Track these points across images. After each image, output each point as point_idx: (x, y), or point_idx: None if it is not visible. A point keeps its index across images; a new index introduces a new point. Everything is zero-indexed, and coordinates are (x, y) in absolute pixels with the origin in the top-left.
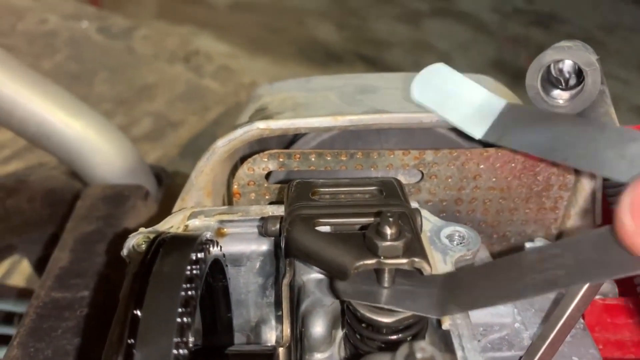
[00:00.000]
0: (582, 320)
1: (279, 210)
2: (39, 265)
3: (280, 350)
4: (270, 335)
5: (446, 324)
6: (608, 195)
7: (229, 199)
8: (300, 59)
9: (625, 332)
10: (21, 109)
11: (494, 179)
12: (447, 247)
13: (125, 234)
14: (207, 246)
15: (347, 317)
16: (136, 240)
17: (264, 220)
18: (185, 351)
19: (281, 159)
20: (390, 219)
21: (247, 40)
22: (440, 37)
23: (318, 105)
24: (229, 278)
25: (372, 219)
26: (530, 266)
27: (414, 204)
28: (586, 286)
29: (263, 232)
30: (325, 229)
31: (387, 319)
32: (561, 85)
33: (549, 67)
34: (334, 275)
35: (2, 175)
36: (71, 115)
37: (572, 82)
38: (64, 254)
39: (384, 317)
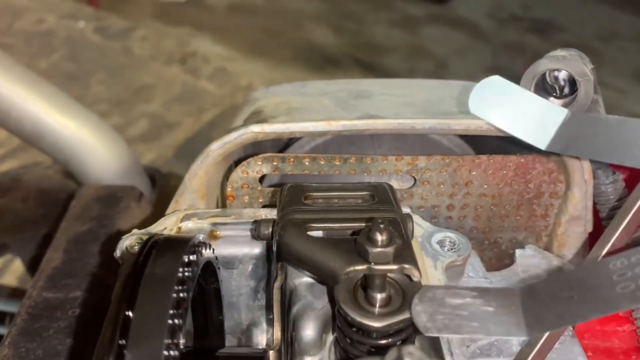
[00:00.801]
0: (571, 328)
1: (272, 213)
2: (32, 265)
3: (271, 353)
4: (261, 338)
5: None
6: (598, 204)
7: (222, 202)
8: (297, 62)
9: (614, 340)
10: (17, 109)
11: (485, 186)
12: (438, 253)
13: (118, 234)
14: (200, 248)
15: (338, 321)
16: (129, 242)
17: (256, 223)
18: (176, 352)
19: (275, 163)
20: (381, 226)
21: (245, 43)
22: (437, 43)
23: (312, 109)
24: (221, 280)
25: (364, 224)
26: (619, 273)
27: (406, 210)
28: None
29: (256, 236)
30: (317, 233)
31: (377, 323)
32: (555, 93)
33: (544, 74)
34: (325, 280)
35: None
36: (66, 115)
37: (567, 90)
38: (57, 254)
39: (374, 321)
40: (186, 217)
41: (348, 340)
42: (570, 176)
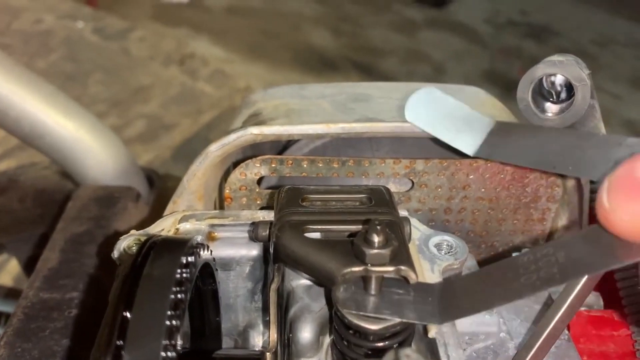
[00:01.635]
0: (567, 332)
1: (270, 215)
2: (28, 265)
3: (268, 355)
4: (258, 340)
5: (432, 332)
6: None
7: (220, 204)
8: (295, 65)
9: (609, 344)
10: (15, 109)
11: (483, 190)
12: (435, 256)
13: (115, 235)
14: (198, 250)
15: (335, 324)
16: (127, 243)
17: (254, 225)
18: (174, 354)
19: (273, 165)
20: (378, 227)
21: (243, 45)
22: (435, 47)
23: (311, 112)
24: (219, 282)
25: (361, 226)
26: (525, 267)
27: (403, 213)
28: (571, 297)
29: (253, 237)
30: (315, 235)
31: (374, 326)
32: (552, 98)
33: (541, 79)
34: (322, 281)
35: None
36: (64, 116)
37: (563, 95)
38: (54, 254)
39: (371, 324)
40: (184, 219)
41: (345, 343)
42: (567, 180)
